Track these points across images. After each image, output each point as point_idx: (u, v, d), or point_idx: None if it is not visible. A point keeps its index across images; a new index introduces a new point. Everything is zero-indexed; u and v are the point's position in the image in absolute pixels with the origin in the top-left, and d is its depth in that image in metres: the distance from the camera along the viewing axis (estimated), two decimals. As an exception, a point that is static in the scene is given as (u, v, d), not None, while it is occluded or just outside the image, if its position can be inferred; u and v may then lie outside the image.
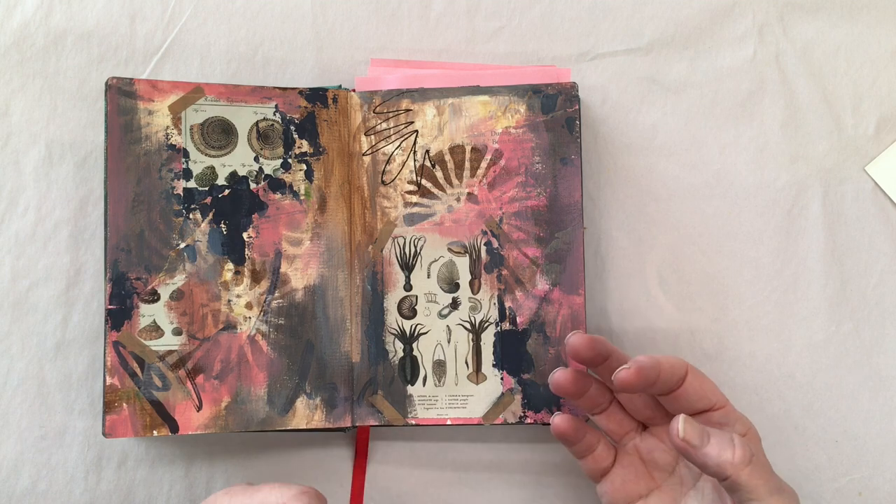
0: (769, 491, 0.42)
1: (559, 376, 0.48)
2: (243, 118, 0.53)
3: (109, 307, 0.51)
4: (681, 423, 0.43)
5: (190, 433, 0.51)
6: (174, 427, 0.51)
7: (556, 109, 0.53)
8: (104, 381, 0.50)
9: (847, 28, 0.56)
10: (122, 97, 0.52)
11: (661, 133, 0.56)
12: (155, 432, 0.51)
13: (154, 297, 0.51)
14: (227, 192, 0.53)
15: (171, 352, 0.51)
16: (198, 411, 0.51)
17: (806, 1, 0.57)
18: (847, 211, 0.56)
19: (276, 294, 0.53)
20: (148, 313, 0.51)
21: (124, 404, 0.51)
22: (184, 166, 0.52)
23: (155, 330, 0.51)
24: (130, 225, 0.51)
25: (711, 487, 0.47)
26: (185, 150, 0.52)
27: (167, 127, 0.52)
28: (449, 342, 0.54)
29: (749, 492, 0.42)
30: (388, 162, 0.54)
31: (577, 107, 0.53)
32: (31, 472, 0.54)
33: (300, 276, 0.53)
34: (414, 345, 0.53)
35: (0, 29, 0.56)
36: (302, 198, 0.53)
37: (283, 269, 0.53)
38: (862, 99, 0.56)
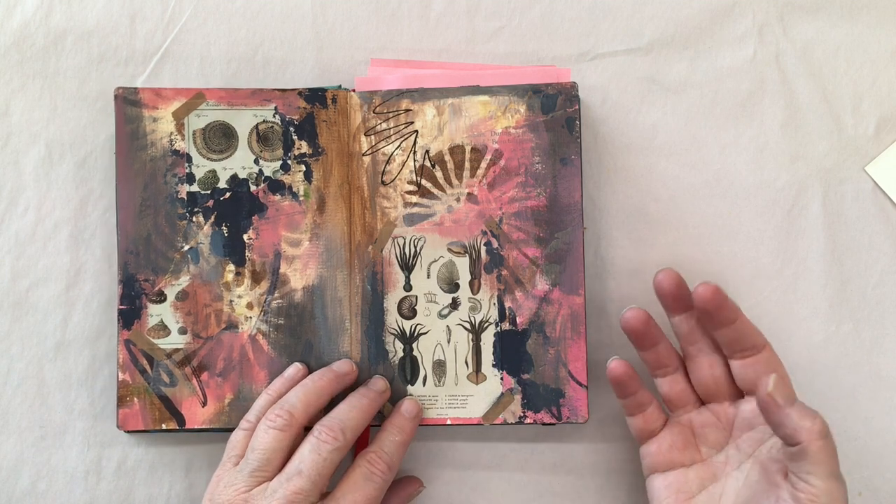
0: (830, 473, 0.43)
1: (630, 314, 0.50)
2: (243, 121, 0.53)
3: (120, 307, 0.53)
4: (771, 380, 0.44)
5: (195, 427, 0.53)
6: (181, 421, 0.53)
7: (556, 109, 0.53)
8: (117, 376, 0.53)
9: (847, 28, 0.56)
10: (127, 106, 0.53)
11: (661, 133, 0.56)
12: (164, 425, 0.53)
13: (161, 297, 0.53)
14: (227, 194, 0.53)
15: (177, 350, 0.53)
16: (203, 407, 0.53)
17: (806, 1, 0.56)
18: (847, 211, 0.56)
19: (276, 294, 0.53)
20: (155, 313, 0.53)
21: (135, 399, 0.53)
22: (187, 171, 0.53)
23: (162, 329, 0.53)
24: (138, 229, 0.53)
25: (759, 472, 0.47)
26: (188, 154, 0.53)
27: (171, 133, 0.53)
28: (449, 342, 0.54)
29: (813, 464, 0.43)
30: (387, 162, 0.54)
31: (577, 107, 0.53)
32: (31, 472, 0.55)
33: (299, 276, 0.53)
34: (414, 345, 0.54)
35: (0, 29, 0.56)
36: (301, 199, 0.53)
37: (282, 270, 0.53)
38: (862, 99, 0.56)
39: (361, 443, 0.53)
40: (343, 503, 0.47)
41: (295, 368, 0.52)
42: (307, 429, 0.49)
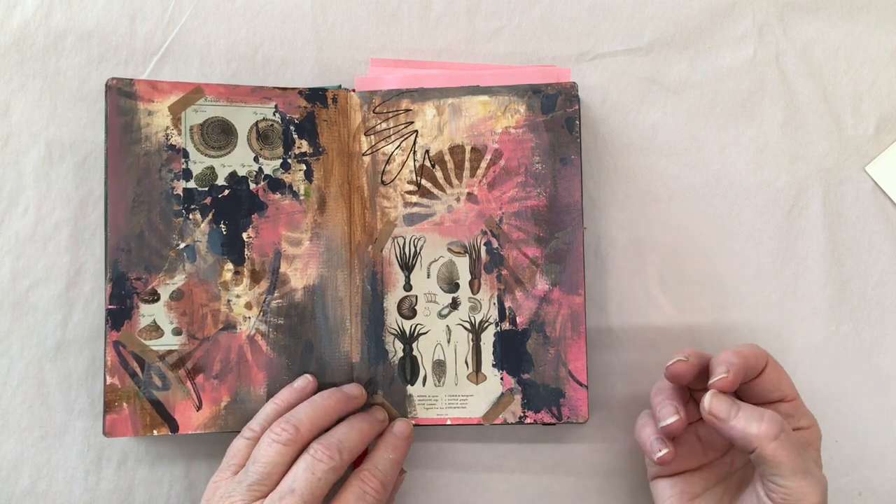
0: (794, 469, 0.43)
1: (674, 426, 0.47)
2: (243, 118, 0.53)
3: (110, 307, 0.51)
4: (707, 398, 0.45)
5: (190, 432, 0.52)
6: (174, 427, 0.51)
7: (555, 109, 0.53)
8: (104, 380, 0.51)
9: (847, 28, 0.56)
10: (122, 98, 0.52)
11: (661, 133, 0.56)
12: (155, 431, 0.51)
13: (154, 297, 0.52)
14: (226, 192, 0.53)
15: (170, 351, 0.52)
16: (197, 411, 0.52)
17: (806, 1, 0.56)
18: (847, 211, 0.56)
19: (276, 294, 0.53)
20: (148, 313, 0.52)
21: (124, 404, 0.51)
22: (183, 167, 0.52)
23: (155, 330, 0.52)
24: (131, 225, 0.52)
25: (751, 472, 0.47)
26: (184, 150, 0.52)
27: (167, 127, 0.52)
28: (449, 342, 0.54)
29: (773, 466, 0.43)
30: (387, 162, 0.54)
31: (576, 107, 0.53)
32: (31, 472, 0.54)
33: (299, 276, 0.53)
34: (414, 345, 0.54)
35: (0, 29, 0.56)
36: (301, 198, 0.53)
37: (282, 270, 0.53)
38: (862, 99, 0.56)
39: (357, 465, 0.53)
40: None
41: (305, 380, 0.52)
42: None
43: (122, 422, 0.51)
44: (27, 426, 0.55)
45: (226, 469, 0.48)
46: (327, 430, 0.50)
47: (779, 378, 0.48)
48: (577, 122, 0.53)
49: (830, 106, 0.56)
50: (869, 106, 0.56)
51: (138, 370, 0.51)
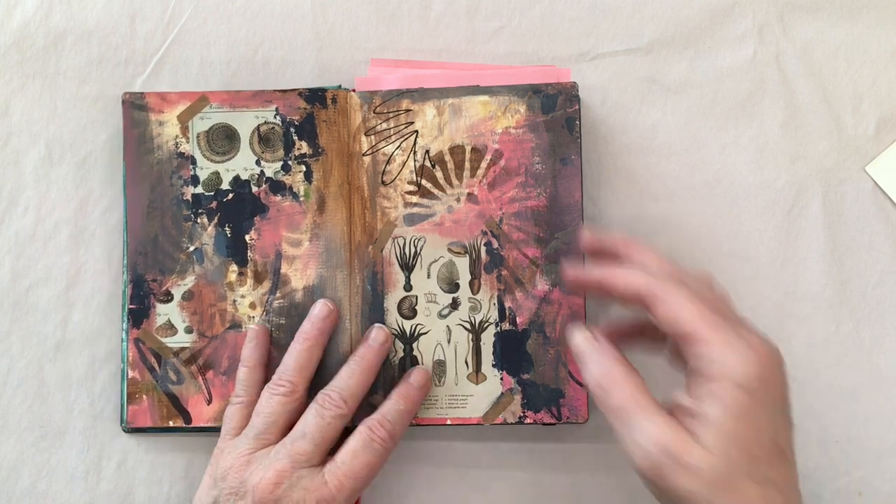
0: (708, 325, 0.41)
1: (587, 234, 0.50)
2: (245, 123, 0.54)
3: (130, 307, 0.54)
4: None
5: (201, 425, 0.53)
6: (188, 419, 0.53)
7: (556, 109, 0.53)
8: (126, 374, 0.53)
9: (847, 28, 0.56)
10: (135, 110, 0.54)
11: (661, 133, 0.56)
12: (171, 422, 0.53)
13: (168, 297, 0.54)
14: (230, 196, 0.54)
15: (183, 348, 0.54)
16: (208, 405, 0.53)
17: (806, 1, 0.56)
18: (847, 211, 0.56)
19: (278, 294, 0.53)
20: (163, 312, 0.54)
21: (144, 396, 0.53)
22: (192, 173, 0.54)
23: (169, 328, 0.54)
24: (146, 231, 0.54)
25: None
26: (192, 157, 0.54)
27: (176, 136, 0.54)
28: (449, 342, 0.54)
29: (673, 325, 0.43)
30: (388, 162, 0.54)
31: (577, 107, 0.53)
32: (31, 472, 0.55)
33: (299, 276, 0.53)
34: (414, 345, 0.54)
35: (0, 29, 0.56)
36: (301, 199, 0.53)
37: (283, 270, 0.53)
38: (862, 99, 0.56)
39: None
40: (342, 469, 0.48)
41: (254, 331, 0.53)
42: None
43: (142, 412, 0.53)
44: (27, 426, 0.55)
45: (226, 435, 0.50)
46: (320, 365, 0.52)
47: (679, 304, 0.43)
48: (578, 122, 0.53)
49: (830, 106, 0.56)
50: (869, 106, 0.56)
51: (156, 365, 0.54)
